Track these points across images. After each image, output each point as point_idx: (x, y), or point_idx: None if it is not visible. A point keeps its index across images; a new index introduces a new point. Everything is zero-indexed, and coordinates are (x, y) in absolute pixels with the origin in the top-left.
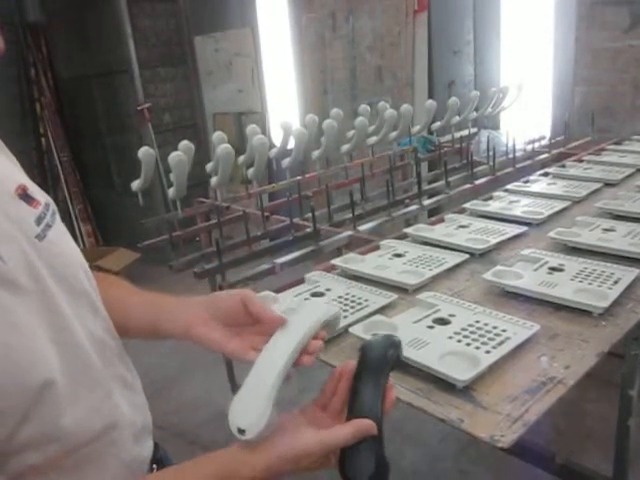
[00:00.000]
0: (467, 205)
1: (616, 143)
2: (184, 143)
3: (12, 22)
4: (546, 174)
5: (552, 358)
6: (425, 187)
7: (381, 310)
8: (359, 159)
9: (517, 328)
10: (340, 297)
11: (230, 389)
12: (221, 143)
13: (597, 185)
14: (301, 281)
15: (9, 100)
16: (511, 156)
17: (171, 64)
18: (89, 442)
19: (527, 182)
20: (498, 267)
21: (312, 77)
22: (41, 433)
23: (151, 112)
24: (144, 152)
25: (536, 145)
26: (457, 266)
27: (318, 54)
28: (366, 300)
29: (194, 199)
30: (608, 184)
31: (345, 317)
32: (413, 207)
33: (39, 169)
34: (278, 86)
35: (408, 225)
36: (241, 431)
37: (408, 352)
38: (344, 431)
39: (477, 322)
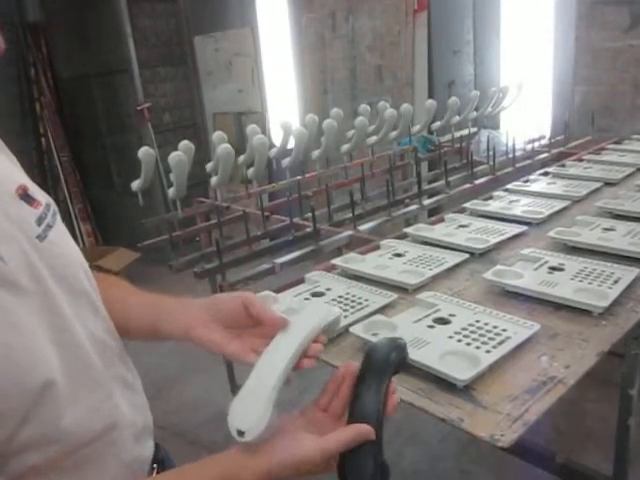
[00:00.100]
0: (467, 205)
1: (616, 142)
2: (184, 143)
3: (12, 22)
4: (546, 174)
5: (552, 358)
6: (425, 187)
7: (381, 310)
8: (359, 159)
9: (517, 328)
10: (340, 297)
11: (230, 389)
12: (221, 143)
13: (597, 184)
14: (301, 281)
15: (9, 100)
16: (511, 156)
17: (171, 64)
18: (89, 442)
19: (527, 182)
20: (498, 267)
21: (312, 77)
22: (41, 434)
23: (151, 112)
24: (144, 152)
25: (536, 145)
26: (457, 266)
27: (318, 54)
28: (366, 300)
29: (194, 199)
30: (608, 183)
31: (345, 317)
32: (413, 207)
33: (39, 169)
34: (278, 86)
35: (408, 225)
36: (240, 433)
37: (409, 352)
38: (343, 436)
39: (477, 322)
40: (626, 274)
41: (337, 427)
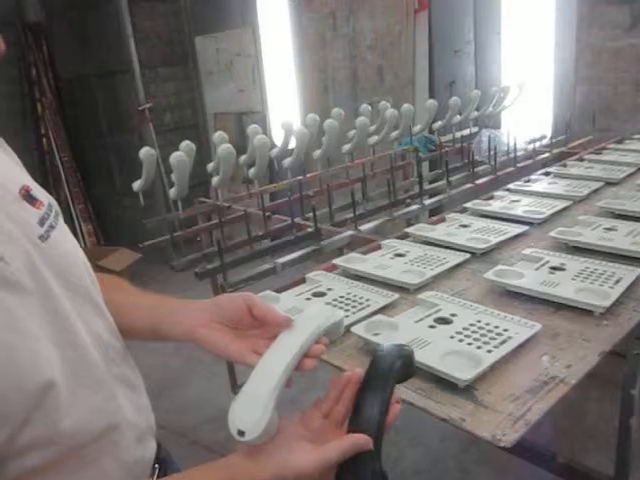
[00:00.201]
0: (468, 205)
1: (617, 142)
2: (185, 143)
3: (13, 22)
4: (547, 173)
5: (554, 357)
6: (426, 187)
7: (382, 310)
8: (360, 159)
9: (518, 327)
10: (341, 297)
11: (231, 389)
12: (222, 143)
13: (598, 184)
14: (302, 281)
15: (10, 100)
16: (512, 155)
17: (172, 64)
18: (90, 443)
19: (528, 181)
20: (499, 266)
21: (313, 77)
22: (42, 435)
23: (152, 112)
24: (145, 152)
25: (537, 144)
26: (458, 266)
27: (319, 54)
28: (367, 300)
29: (195, 199)
30: (609, 183)
31: (347, 317)
32: (414, 207)
33: (40, 169)
34: (279, 86)
35: (409, 225)
36: (241, 433)
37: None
38: (340, 446)
39: (478, 321)
40: (627, 274)
41: (337, 434)
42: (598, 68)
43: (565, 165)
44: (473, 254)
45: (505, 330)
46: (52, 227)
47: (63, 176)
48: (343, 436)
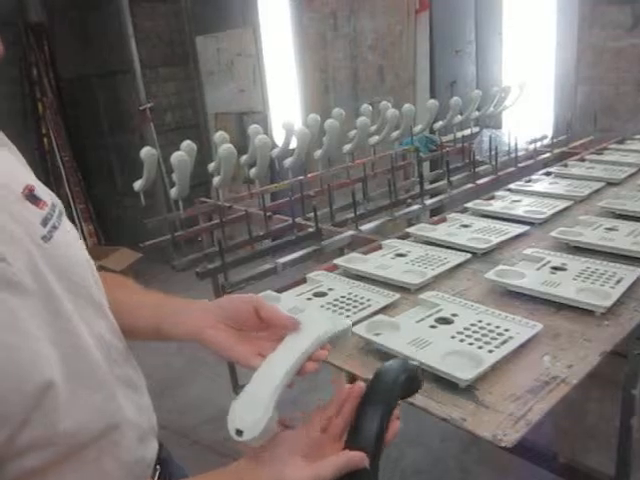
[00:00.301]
0: (469, 205)
1: (618, 142)
2: (186, 143)
3: (14, 22)
4: (548, 173)
5: (555, 357)
6: (427, 187)
7: (383, 310)
8: (361, 159)
9: (520, 327)
10: (342, 297)
11: (232, 389)
12: (223, 143)
13: (599, 184)
14: (303, 281)
15: (11, 100)
16: (513, 155)
17: (173, 64)
18: (90, 443)
19: (529, 181)
20: (500, 267)
21: (314, 77)
22: (41, 436)
23: (153, 112)
24: (146, 152)
25: (538, 144)
26: (459, 266)
27: (320, 54)
28: (368, 300)
29: (196, 199)
30: (610, 183)
31: (348, 317)
32: (415, 207)
33: (41, 169)
34: (280, 86)
35: (410, 225)
36: (239, 432)
37: (411, 351)
38: (335, 463)
39: (480, 321)
40: (628, 274)
41: (335, 448)
42: (599, 68)
43: (566, 165)
44: (474, 254)
45: (506, 330)
46: (55, 227)
47: (64, 176)
48: (339, 452)
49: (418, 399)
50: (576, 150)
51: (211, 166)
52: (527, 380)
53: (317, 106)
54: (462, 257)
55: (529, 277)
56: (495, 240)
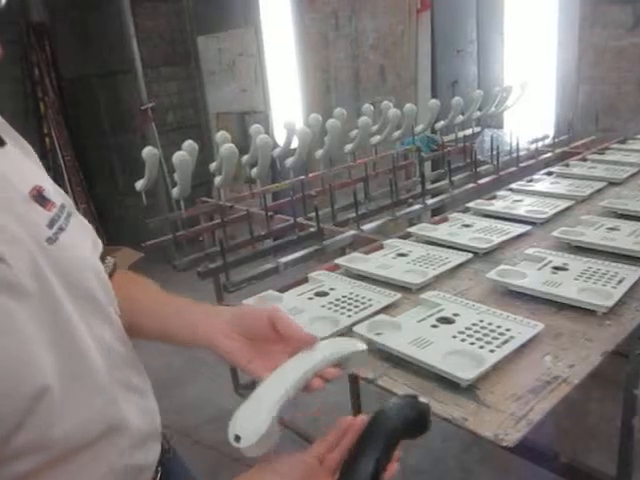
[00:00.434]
0: (471, 204)
1: (620, 142)
2: (188, 143)
3: (16, 22)
4: (550, 173)
5: (556, 357)
6: (428, 186)
7: (385, 309)
8: (362, 158)
9: (521, 327)
10: (344, 296)
11: (234, 389)
12: (224, 143)
13: (601, 184)
14: (305, 280)
15: (13, 100)
16: (515, 155)
17: (174, 64)
18: (86, 447)
19: (531, 181)
20: (502, 266)
21: (315, 76)
22: (35, 440)
23: (154, 112)
24: (148, 152)
25: (540, 144)
26: (461, 265)
27: (321, 53)
28: (370, 299)
29: (197, 199)
30: (612, 183)
31: (349, 316)
32: (416, 206)
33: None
34: (281, 85)
35: (412, 224)
36: (237, 438)
37: (412, 351)
38: None
39: (481, 321)
40: (630, 274)
41: None
42: (601, 68)
43: (568, 165)
44: (475, 254)
45: (507, 330)
46: (62, 229)
47: (65, 175)
48: None
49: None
50: (578, 150)
51: (212, 166)
52: (528, 380)
53: (318, 106)
54: (463, 257)
55: (530, 277)
56: (496, 240)
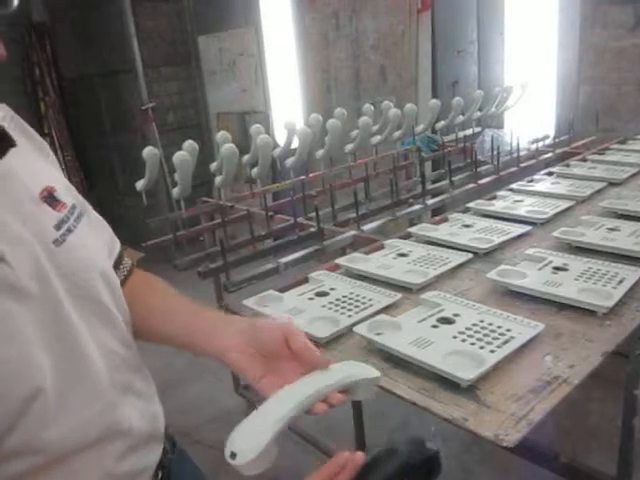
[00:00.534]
0: (471, 204)
1: (620, 142)
2: (188, 143)
3: (17, 22)
4: (550, 173)
5: (556, 357)
6: (429, 186)
7: (385, 309)
8: (363, 158)
9: (521, 327)
10: (344, 296)
11: (234, 389)
12: (225, 143)
13: (601, 184)
14: (305, 280)
15: (14, 99)
16: (515, 155)
17: (175, 64)
18: (83, 450)
19: (531, 181)
20: (502, 266)
21: (315, 76)
22: (27, 442)
23: (155, 112)
24: (148, 152)
25: (540, 144)
26: (461, 265)
27: (321, 54)
28: (370, 299)
29: (198, 199)
30: (612, 183)
31: (349, 316)
32: (417, 207)
33: None
34: (282, 86)
35: (412, 224)
36: (233, 455)
37: (412, 351)
38: None
39: (481, 321)
40: (630, 274)
41: None
42: (601, 68)
43: (568, 165)
44: (476, 254)
45: (508, 330)
46: (70, 231)
47: (66, 175)
48: None
49: (420, 399)
50: (578, 150)
51: (213, 166)
52: (529, 380)
53: (319, 106)
54: (464, 257)
55: (531, 277)
56: (497, 240)
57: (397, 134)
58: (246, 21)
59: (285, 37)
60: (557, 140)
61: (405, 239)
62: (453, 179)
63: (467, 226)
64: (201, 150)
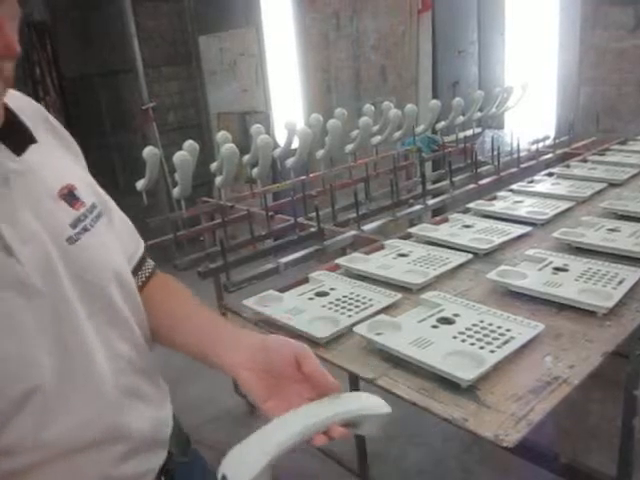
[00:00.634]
0: (471, 205)
1: (621, 143)
2: (189, 143)
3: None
4: (550, 174)
5: (556, 358)
6: (429, 187)
7: (385, 309)
8: (363, 159)
9: (521, 328)
10: (344, 296)
11: (234, 389)
12: (225, 143)
13: (601, 185)
14: (305, 280)
15: None
16: (515, 156)
17: (175, 64)
18: (82, 450)
19: (531, 182)
20: (502, 267)
21: (316, 77)
22: (24, 440)
23: (155, 112)
24: (149, 152)
25: (540, 145)
26: (461, 266)
27: (322, 54)
28: (370, 300)
29: (198, 199)
30: (612, 184)
31: (349, 316)
32: (417, 207)
33: None
34: (282, 86)
35: (412, 225)
36: (224, 478)
37: (412, 351)
38: None
39: (481, 322)
40: (630, 275)
41: None
42: (602, 69)
43: (568, 166)
44: (476, 254)
45: (508, 330)
46: (86, 229)
47: None
48: None
49: (420, 399)
50: (578, 151)
51: (213, 166)
52: (529, 380)
53: (319, 106)
54: (464, 257)
55: (531, 277)
56: (497, 240)
57: (397, 134)
58: (247, 21)
59: (285, 37)
60: (557, 141)
61: (405, 239)
62: (453, 179)
63: (467, 226)
64: (201, 150)
